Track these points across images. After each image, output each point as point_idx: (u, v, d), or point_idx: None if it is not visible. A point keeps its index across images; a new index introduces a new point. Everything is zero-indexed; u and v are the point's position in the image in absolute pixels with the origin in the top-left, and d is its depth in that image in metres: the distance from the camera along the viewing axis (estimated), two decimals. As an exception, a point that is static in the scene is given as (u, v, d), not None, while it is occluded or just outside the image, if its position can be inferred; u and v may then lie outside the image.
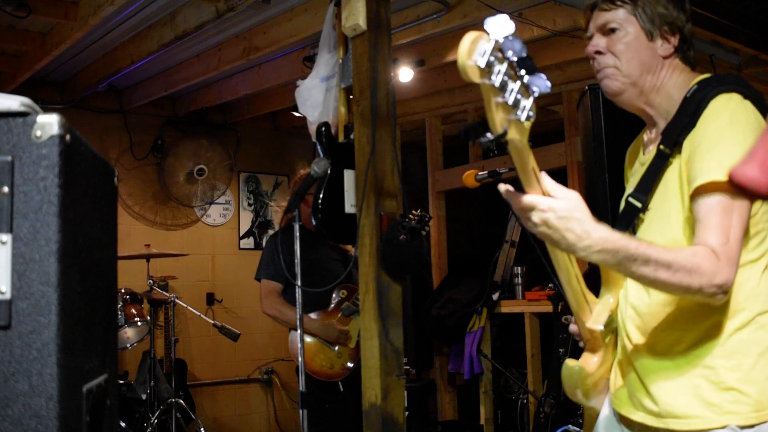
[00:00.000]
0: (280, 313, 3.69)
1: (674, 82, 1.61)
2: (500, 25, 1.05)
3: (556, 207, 1.27)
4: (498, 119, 1.11)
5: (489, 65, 1.05)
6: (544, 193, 1.29)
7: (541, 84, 1.08)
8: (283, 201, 6.65)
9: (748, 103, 1.48)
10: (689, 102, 1.52)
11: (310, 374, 3.50)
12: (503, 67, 1.06)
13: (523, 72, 1.07)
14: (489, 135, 1.12)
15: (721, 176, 1.39)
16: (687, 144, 1.49)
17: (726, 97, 1.47)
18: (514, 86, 1.08)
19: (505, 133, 1.12)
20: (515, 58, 1.06)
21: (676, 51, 1.61)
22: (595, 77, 1.67)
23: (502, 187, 1.31)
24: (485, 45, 1.05)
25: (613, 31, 1.60)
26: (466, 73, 1.05)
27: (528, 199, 1.28)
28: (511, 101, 1.08)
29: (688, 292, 1.38)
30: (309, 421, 2.84)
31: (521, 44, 1.06)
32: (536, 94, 1.09)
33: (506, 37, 1.05)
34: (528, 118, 1.11)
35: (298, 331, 2.85)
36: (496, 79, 1.06)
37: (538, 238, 1.33)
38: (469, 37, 1.05)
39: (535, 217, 1.28)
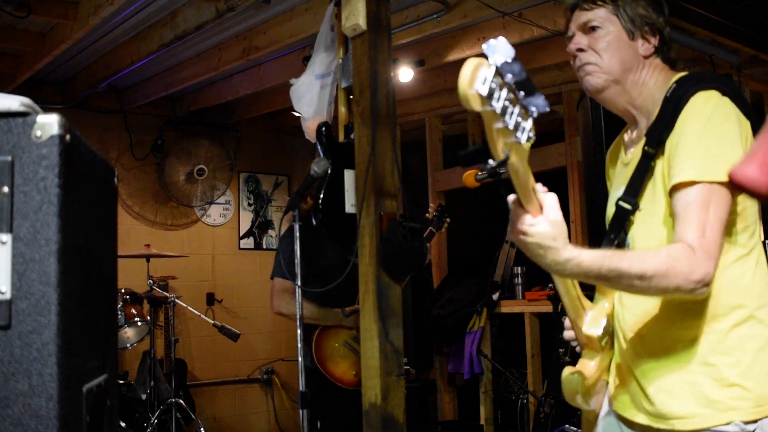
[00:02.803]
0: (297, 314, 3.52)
1: (655, 81, 1.62)
2: (500, 50, 1.05)
3: (534, 232, 1.30)
4: (499, 145, 1.11)
5: (490, 92, 1.04)
6: (541, 209, 1.31)
7: (540, 104, 1.08)
8: (282, 202, 6.65)
9: (726, 100, 1.48)
10: (669, 101, 1.53)
11: (333, 380, 3.43)
12: (504, 92, 1.06)
13: (522, 94, 1.07)
14: (491, 162, 1.12)
15: (699, 175, 1.41)
16: (668, 143, 1.50)
17: (705, 95, 1.48)
18: (515, 110, 1.08)
19: (506, 159, 1.12)
20: (514, 81, 1.06)
21: (656, 51, 1.63)
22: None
23: (511, 198, 1.32)
24: (486, 72, 1.04)
25: (593, 29, 1.62)
26: (468, 102, 1.04)
27: (515, 214, 1.32)
28: (511, 126, 1.08)
29: (667, 293, 1.40)
30: (322, 424, 2.79)
31: (520, 67, 1.06)
32: (535, 115, 1.09)
33: (505, 61, 1.05)
34: (528, 139, 1.11)
35: (299, 332, 2.85)
36: (498, 105, 1.05)
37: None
38: (470, 65, 1.04)
39: (513, 234, 1.33)
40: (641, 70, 1.62)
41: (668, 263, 1.36)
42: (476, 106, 1.05)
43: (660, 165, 1.53)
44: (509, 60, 1.05)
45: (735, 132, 1.45)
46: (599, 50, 1.60)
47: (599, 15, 1.61)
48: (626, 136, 1.72)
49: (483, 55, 1.06)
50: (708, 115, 1.46)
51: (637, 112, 1.64)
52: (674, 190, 1.45)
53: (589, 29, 1.62)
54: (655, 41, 1.62)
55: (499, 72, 1.05)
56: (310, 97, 3.46)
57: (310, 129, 3.42)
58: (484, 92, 1.04)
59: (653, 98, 1.60)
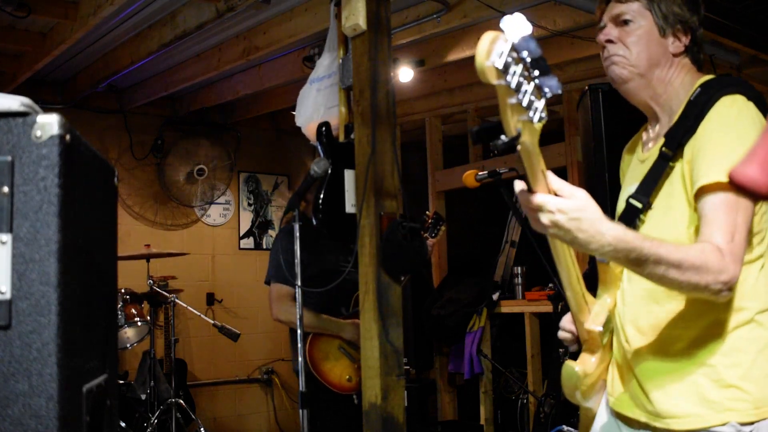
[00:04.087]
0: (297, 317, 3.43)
1: (681, 81, 1.62)
2: (517, 25, 1.05)
3: (566, 208, 1.24)
4: (512, 121, 1.11)
5: (506, 66, 1.05)
6: (551, 192, 1.27)
7: (553, 85, 1.08)
8: (282, 202, 6.65)
9: (751, 105, 1.48)
10: (693, 105, 1.53)
11: (327, 385, 3.40)
12: (519, 68, 1.06)
13: (536, 72, 1.07)
14: (503, 138, 1.11)
15: (727, 176, 1.40)
16: (690, 146, 1.49)
17: (730, 99, 1.48)
18: (528, 87, 1.08)
19: (519, 136, 1.11)
20: (530, 59, 1.06)
21: (686, 50, 1.62)
22: (594, 77, 1.68)
23: (518, 186, 1.28)
24: (502, 46, 1.05)
25: (626, 22, 1.61)
26: (484, 74, 1.05)
27: (537, 199, 1.25)
28: (525, 103, 1.08)
29: (695, 290, 1.38)
30: (322, 424, 2.76)
31: (536, 44, 1.06)
32: (548, 95, 1.08)
33: (522, 37, 1.05)
34: (540, 119, 1.11)
35: (299, 332, 2.84)
36: (512, 80, 1.06)
37: (547, 236, 1.32)
38: (488, 37, 1.04)
39: (544, 218, 1.26)
40: (669, 67, 1.61)
41: (702, 259, 1.35)
42: (492, 78, 1.05)
43: (679, 167, 1.52)
44: (526, 36, 1.05)
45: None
46: (628, 44, 1.60)
47: (632, 9, 1.61)
48: (645, 134, 1.72)
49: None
50: (734, 118, 1.46)
51: (659, 108, 1.64)
52: (701, 192, 1.44)
53: (621, 22, 1.62)
54: (686, 40, 1.62)
55: (515, 47, 1.05)
56: (305, 104, 3.46)
57: (309, 131, 3.42)
58: (500, 65, 1.04)
59: (678, 97, 1.60)
